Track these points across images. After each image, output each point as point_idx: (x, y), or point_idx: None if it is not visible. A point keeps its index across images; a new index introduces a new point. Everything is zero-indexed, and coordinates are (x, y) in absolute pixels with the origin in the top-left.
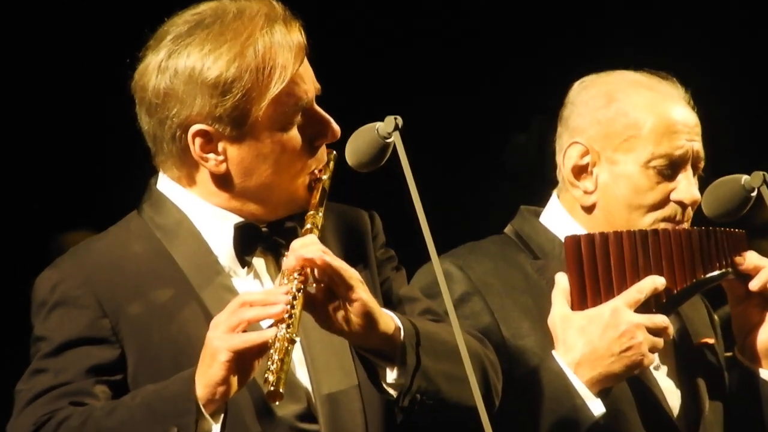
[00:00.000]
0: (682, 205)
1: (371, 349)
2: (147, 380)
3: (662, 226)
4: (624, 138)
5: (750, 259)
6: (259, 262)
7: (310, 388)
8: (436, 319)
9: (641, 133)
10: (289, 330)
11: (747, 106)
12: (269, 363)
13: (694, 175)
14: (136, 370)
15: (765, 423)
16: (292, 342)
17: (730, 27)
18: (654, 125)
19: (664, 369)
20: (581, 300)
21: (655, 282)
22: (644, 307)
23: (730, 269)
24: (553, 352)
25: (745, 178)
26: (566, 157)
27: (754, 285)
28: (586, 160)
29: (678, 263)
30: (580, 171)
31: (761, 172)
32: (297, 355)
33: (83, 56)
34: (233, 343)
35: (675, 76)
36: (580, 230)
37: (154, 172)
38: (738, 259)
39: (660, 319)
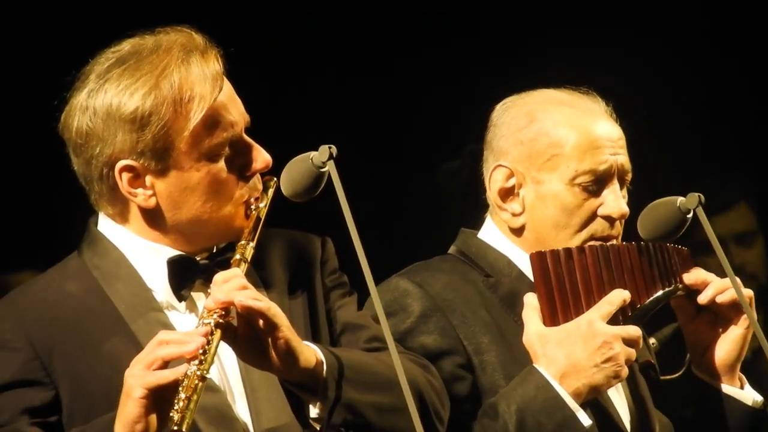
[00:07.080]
0: (610, 220)
1: (295, 383)
2: (81, 419)
3: (592, 243)
4: (547, 157)
5: (698, 274)
6: (198, 296)
7: (249, 423)
8: (379, 347)
9: (564, 150)
10: (200, 367)
11: (683, 123)
12: (176, 401)
13: (621, 188)
14: (71, 409)
15: None
16: (203, 379)
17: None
18: (576, 142)
19: (616, 387)
20: (552, 315)
21: (622, 294)
22: (613, 321)
23: (680, 285)
24: (536, 366)
25: (680, 200)
26: (492, 181)
27: (702, 298)
28: (512, 182)
29: (639, 277)
30: (506, 193)
31: (696, 194)
32: (237, 388)
33: (28, 97)
34: (147, 380)
35: (602, 90)
36: (517, 250)
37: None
38: (686, 275)
39: (633, 330)
